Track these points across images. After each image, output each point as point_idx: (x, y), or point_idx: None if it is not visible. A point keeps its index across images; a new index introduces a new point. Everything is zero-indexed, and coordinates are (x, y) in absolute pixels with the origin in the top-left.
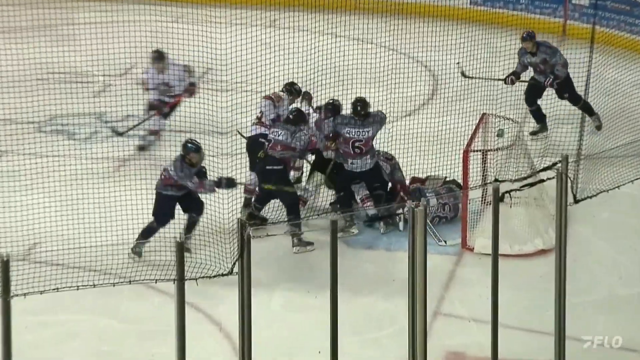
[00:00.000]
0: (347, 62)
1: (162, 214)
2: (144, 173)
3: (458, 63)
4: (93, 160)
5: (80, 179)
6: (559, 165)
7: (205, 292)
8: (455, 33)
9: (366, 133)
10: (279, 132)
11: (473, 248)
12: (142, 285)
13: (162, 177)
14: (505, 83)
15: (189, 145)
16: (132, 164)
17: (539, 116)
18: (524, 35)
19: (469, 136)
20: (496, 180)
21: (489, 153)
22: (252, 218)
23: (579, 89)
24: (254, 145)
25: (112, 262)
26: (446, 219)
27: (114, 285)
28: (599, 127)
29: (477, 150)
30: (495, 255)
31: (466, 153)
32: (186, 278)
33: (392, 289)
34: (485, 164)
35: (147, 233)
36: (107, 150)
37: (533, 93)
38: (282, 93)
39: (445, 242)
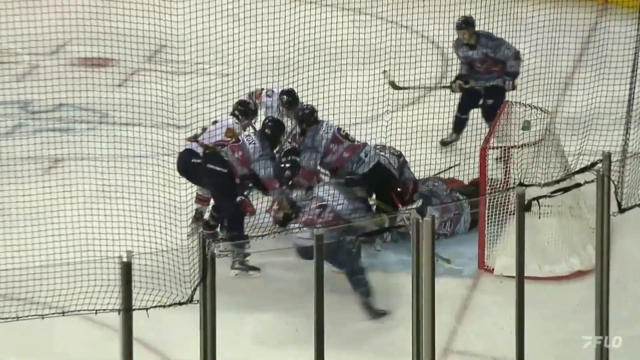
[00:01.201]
0: (336, 38)
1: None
2: (82, 175)
3: (385, 72)
4: (17, 160)
5: (0, 183)
6: (600, 165)
7: (159, 326)
8: (471, 2)
9: None
10: (253, 141)
11: (492, 269)
12: (78, 318)
13: (232, 146)
14: (452, 91)
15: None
16: (66, 164)
17: (461, 125)
18: (459, 21)
19: (488, 129)
20: (521, 184)
21: (512, 150)
22: (209, 229)
23: (624, 70)
24: (186, 164)
25: (40, 287)
26: (445, 236)
27: (42, 318)
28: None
29: (497, 147)
30: (521, 278)
31: (484, 150)
32: (134, 308)
33: (392, 320)
34: (507, 163)
35: (236, 228)
36: (34, 147)
37: (470, 100)
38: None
39: (449, 261)
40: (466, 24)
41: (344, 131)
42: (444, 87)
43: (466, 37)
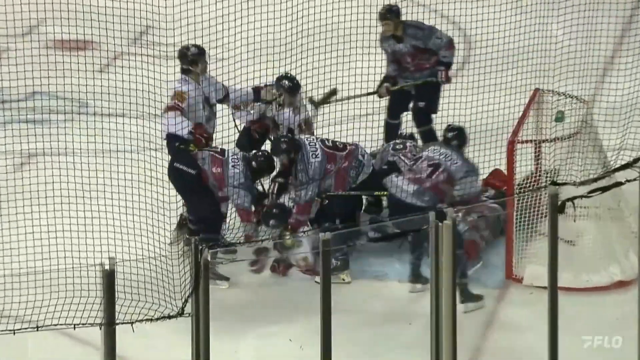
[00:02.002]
0: (344, 19)
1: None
2: (58, 172)
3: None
4: None
5: None
6: None
7: (145, 342)
8: None
9: None
10: (237, 165)
11: (522, 279)
12: (55, 333)
13: (213, 156)
14: (379, 96)
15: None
16: (40, 160)
17: (393, 132)
18: (381, 11)
19: (516, 120)
20: (554, 183)
21: (544, 145)
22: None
23: None
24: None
25: (11, 299)
26: None
27: (14, 333)
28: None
29: (527, 141)
30: (554, 289)
31: (512, 144)
32: (118, 322)
33: (408, 336)
34: (538, 159)
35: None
36: (4, 141)
37: (400, 103)
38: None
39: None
40: (389, 12)
41: (328, 140)
42: (369, 93)
43: (391, 28)
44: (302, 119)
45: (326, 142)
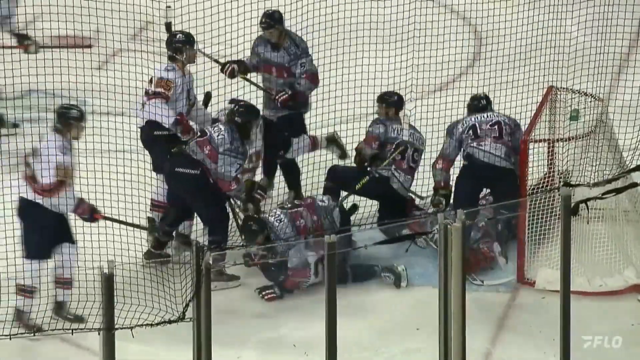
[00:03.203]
0: (351, 14)
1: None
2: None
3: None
4: None
5: None
6: None
7: (145, 348)
8: None
9: None
10: (221, 132)
11: (534, 283)
12: (54, 339)
13: (198, 141)
14: (228, 76)
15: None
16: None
17: (271, 169)
18: (262, 18)
19: (529, 119)
20: (567, 183)
21: (557, 144)
22: (159, 247)
23: None
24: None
25: (7, 304)
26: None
27: (10, 339)
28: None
29: (540, 140)
30: (566, 293)
31: (525, 143)
32: (117, 327)
33: (416, 342)
34: (552, 159)
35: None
36: (0, 140)
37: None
38: None
39: (483, 281)
40: (272, 19)
41: (285, 202)
42: (221, 63)
43: (270, 32)
44: (255, 152)
45: (284, 204)
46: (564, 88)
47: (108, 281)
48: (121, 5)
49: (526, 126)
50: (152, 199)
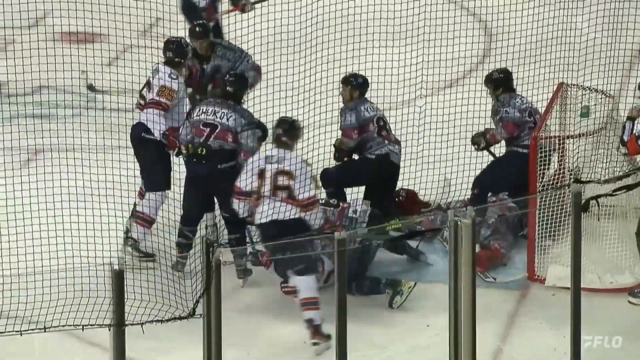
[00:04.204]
0: (361, 10)
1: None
2: (65, 169)
3: (84, 71)
4: None
5: None
6: None
7: (155, 344)
8: None
9: None
10: (225, 114)
11: (544, 280)
12: (63, 334)
13: (217, 135)
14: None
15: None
16: (46, 157)
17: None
18: (191, 29)
19: (540, 117)
20: (578, 180)
21: (568, 140)
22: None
23: None
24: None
25: (17, 299)
26: None
27: (20, 334)
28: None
29: (550, 137)
30: (577, 290)
31: (534, 140)
32: (127, 323)
33: (426, 339)
34: (562, 156)
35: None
36: (9, 137)
37: None
38: None
39: (495, 278)
40: (203, 29)
41: (322, 199)
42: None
43: (200, 43)
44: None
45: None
46: (574, 85)
47: (118, 277)
48: (130, 1)
49: (537, 123)
50: (141, 187)
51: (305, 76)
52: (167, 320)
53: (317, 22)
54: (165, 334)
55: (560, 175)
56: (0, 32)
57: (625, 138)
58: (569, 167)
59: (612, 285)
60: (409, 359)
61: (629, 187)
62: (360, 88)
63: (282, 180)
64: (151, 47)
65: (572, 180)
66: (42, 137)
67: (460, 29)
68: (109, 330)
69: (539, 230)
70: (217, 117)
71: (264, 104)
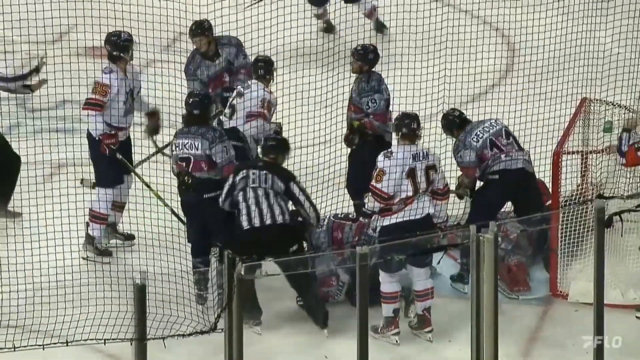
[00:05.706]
0: (389, 25)
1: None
2: (88, 183)
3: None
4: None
5: None
6: None
7: (177, 358)
8: None
9: None
10: (192, 144)
11: (567, 295)
12: (84, 348)
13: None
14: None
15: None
16: (70, 171)
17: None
18: (191, 27)
19: (562, 131)
20: (601, 196)
21: (591, 155)
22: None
23: None
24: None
25: (40, 313)
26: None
27: (43, 349)
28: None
29: (574, 152)
30: (600, 306)
31: (557, 155)
32: (149, 337)
33: (449, 353)
34: (585, 171)
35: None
36: (34, 151)
37: None
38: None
39: (518, 297)
40: (202, 28)
41: (341, 213)
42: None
43: (199, 40)
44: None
45: (339, 214)
46: (597, 99)
47: (140, 292)
48: (155, 16)
49: (559, 138)
50: (114, 200)
51: (328, 90)
52: (189, 335)
53: (338, 37)
54: (187, 347)
55: (583, 190)
56: (25, 47)
57: (623, 149)
58: (592, 182)
59: (635, 301)
60: None
61: None
62: (370, 62)
63: (432, 175)
64: (173, 62)
65: (595, 195)
66: (66, 152)
67: (483, 43)
68: (131, 344)
69: (561, 245)
70: (188, 150)
71: (292, 117)
